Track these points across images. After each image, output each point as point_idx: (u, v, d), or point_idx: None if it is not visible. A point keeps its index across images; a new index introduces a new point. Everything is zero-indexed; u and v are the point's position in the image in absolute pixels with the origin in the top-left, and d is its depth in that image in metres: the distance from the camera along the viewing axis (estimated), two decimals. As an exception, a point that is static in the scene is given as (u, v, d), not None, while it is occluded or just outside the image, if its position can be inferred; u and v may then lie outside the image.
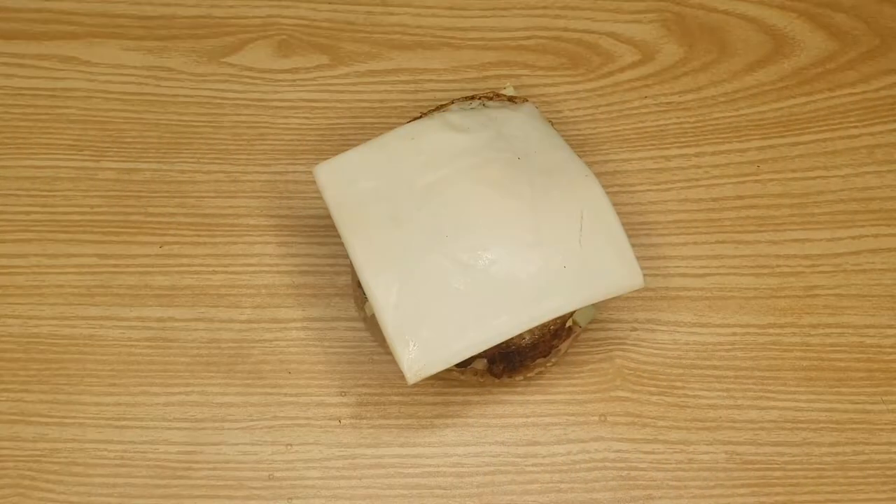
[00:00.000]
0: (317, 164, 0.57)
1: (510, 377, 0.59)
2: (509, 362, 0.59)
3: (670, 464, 0.61)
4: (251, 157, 0.66)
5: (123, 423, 0.61)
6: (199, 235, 0.64)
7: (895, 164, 0.66)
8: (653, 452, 0.61)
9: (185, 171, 0.65)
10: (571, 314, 0.58)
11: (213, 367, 0.62)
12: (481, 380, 0.60)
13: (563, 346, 0.60)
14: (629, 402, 0.62)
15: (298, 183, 0.65)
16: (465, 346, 0.54)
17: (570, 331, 0.59)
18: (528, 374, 0.60)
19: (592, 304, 0.58)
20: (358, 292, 0.60)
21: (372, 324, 0.59)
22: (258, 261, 0.64)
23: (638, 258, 0.56)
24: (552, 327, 0.58)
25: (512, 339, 0.56)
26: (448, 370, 0.56)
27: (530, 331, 0.56)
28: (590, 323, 0.62)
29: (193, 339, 0.62)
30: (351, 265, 0.62)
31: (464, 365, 0.58)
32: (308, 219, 0.65)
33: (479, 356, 0.57)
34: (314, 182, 0.64)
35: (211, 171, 0.65)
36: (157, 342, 0.62)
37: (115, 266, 0.64)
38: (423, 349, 0.54)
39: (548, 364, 0.60)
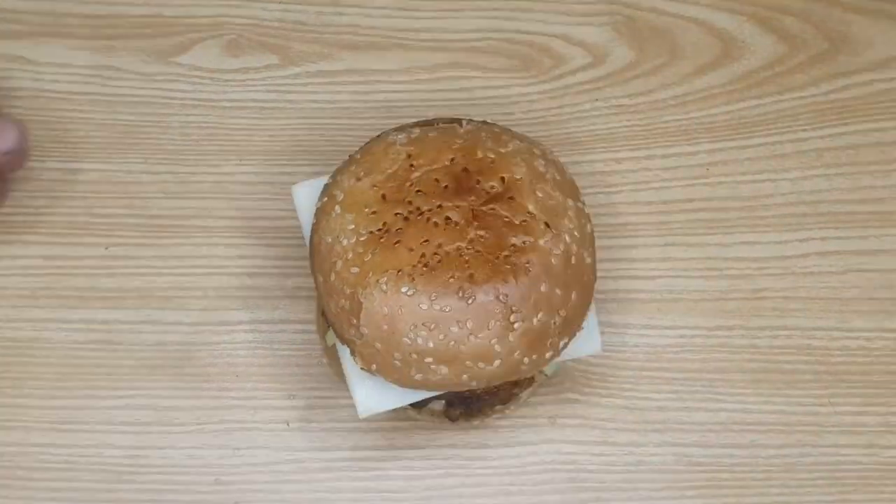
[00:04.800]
0: (286, 179, 0.56)
1: (467, 421, 0.59)
2: (467, 407, 0.58)
3: (619, 466, 0.61)
4: (200, 157, 0.65)
5: (68, 426, 0.60)
6: (145, 237, 0.63)
7: (843, 167, 0.67)
8: (602, 454, 0.61)
9: (133, 171, 0.65)
10: None
11: (160, 370, 0.61)
12: (437, 421, 0.60)
13: (524, 395, 0.60)
14: (578, 404, 0.62)
15: (247, 184, 0.65)
16: (420, 388, 0.52)
17: (531, 379, 0.59)
18: (486, 419, 0.60)
19: None
20: (321, 320, 0.60)
21: (332, 356, 0.59)
22: (206, 262, 0.63)
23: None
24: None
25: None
26: (403, 408, 0.57)
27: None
28: (555, 373, 0.61)
29: (140, 342, 0.62)
30: (316, 291, 0.60)
31: (420, 405, 0.57)
32: (257, 220, 0.64)
33: (437, 398, 0.57)
34: (263, 183, 0.65)
35: (158, 172, 0.65)
36: (102, 345, 0.62)
37: (60, 268, 0.63)
38: (378, 386, 0.54)
39: (506, 410, 0.60)
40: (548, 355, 0.51)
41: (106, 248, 0.63)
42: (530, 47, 0.68)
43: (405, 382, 0.51)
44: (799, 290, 0.64)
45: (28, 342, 0.62)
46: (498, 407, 0.59)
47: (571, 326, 0.52)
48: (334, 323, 0.52)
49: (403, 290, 0.49)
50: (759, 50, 0.69)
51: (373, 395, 0.54)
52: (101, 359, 0.62)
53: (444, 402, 0.58)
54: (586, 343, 0.56)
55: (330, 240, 0.52)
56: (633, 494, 0.61)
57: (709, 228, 0.65)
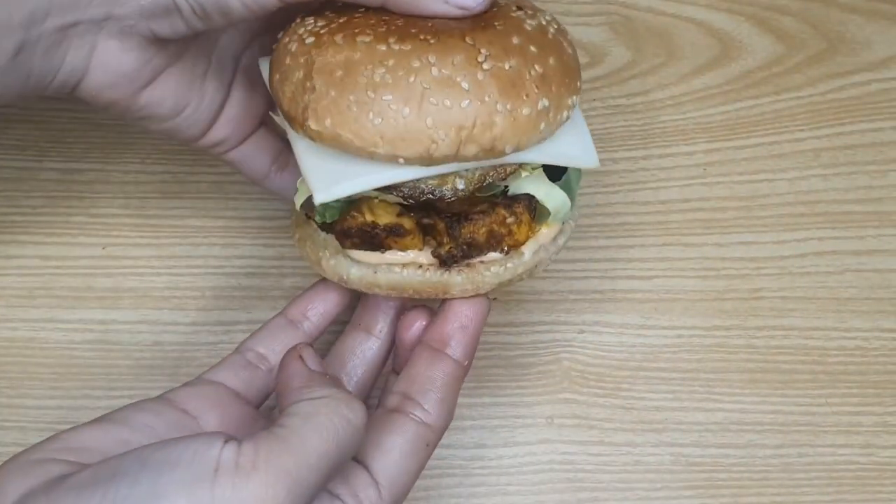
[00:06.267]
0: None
1: (459, 270, 0.51)
2: (455, 243, 0.51)
3: (616, 466, 0.61)
4: (197, 157, 0.65)
5: (65, 426, 0.60)
6: (142, 237, 0.63)
7: (840, 167, 0.67)
8: (599, 454, 0.61)
9: (129, 171, 0.65)
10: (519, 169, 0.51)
11: (157, 371, 0.61)
12: (425, 275, 0.51)
13: (528, 252, 0.52)
14: (576, 404, 0.62)
15: (244, 184, 0.64)
16: (385, 168, 0.47)
17: (530, 228, 0.52)
18: (484, 273, 0.51)
19: (569, 194, 0.52)
20: (297, 215, 0.55)
21: (302, 243, 0.54)
22: (203, 262, 0.63)
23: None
24: (489, 179, 0.50)
25: (445, 183, 0.49)
26: (389, 268, 0.51)
27: (463, 177, 0.49)
28: (564, 227, 0.54)
29: (137, 342, 0.62)
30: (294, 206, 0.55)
31: (399, 235, 0.51)
32: (254, 220, 0.64)
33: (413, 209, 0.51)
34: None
35: (156, 172, 0.65)
36: (99, 345, 0.62)
37: (57, 268, 0.63)
38: (336, 167, 0.48)
39: (507, 264, 0.52)
40: (525, 111, 0.46)
41: (103, 248, 0.63)
42: (528, 47, 0.68)
43: (364, 136, 0.46)
44: (796, 290, 0.64)
45: (24, 342, 0.61)
46: (496, 257, 0.52)
47: (551, 88, 0.47)
48: (289, 110, 0.48)
49: (361, 39, 0.46)
50: (756, 50, 0.69)
51: (330, 177, 0.48)
52: (98, 359, 0.61)
53: (430, 251, 0.51)
54: (581, 153, 0.51)
55: (287, 39, 0.49)
56: (631, 494, 0.61)
57: (706, 228, 0.65)
